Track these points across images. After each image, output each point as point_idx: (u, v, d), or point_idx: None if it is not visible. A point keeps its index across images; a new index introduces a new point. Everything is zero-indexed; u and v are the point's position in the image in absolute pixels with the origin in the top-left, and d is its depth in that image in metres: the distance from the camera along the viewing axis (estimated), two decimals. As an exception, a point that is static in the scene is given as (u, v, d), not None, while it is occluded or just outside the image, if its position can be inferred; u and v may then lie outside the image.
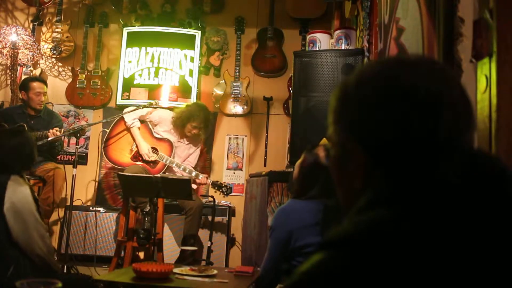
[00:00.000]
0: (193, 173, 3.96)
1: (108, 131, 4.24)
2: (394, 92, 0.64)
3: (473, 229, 0.57)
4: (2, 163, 2.26)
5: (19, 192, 2.21)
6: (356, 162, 0.67)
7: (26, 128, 4.00)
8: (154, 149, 4.01)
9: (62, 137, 4.10)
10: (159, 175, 3.53)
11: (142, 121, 4.15)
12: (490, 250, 0.56)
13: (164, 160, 3.96)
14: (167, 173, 3.85)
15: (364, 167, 0.66)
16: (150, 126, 4.16)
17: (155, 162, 3.97)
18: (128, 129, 4.12)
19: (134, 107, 4.12)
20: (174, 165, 3.98)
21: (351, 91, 0.68)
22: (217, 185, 3.91)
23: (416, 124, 0.61)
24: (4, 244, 2.16)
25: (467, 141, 0.65)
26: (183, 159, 4.14)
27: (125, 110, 4.13)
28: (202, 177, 3.92)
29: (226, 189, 3.92)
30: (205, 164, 4.79)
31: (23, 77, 4.82)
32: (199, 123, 4.01)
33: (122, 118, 4.15)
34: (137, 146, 4.05)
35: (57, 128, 3.87)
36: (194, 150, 4.24)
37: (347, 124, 0.68)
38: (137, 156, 4.00)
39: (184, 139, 4.16)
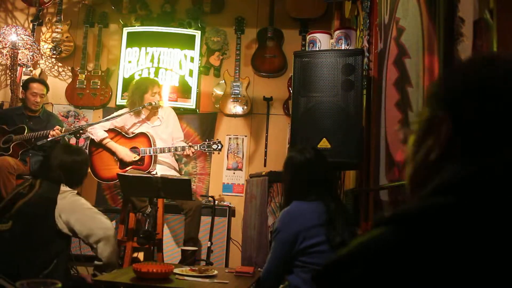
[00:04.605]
0: (179, 150, 3.82)
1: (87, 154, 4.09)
2: (497, 75, 0.66)
3: None
4: (62, 176, 2.45)
5: (77, 200, 2.45)
6: (441, 132, 0.68)
7: (26, 129, 4.01)
8: (135, 148, 3.90)
9: (65, 137, 4.06)
10: (158, 175, 3.52)
11: (112, 129, 3.99)
12: None
13: (148, 153, 3.84)
14: (165, 174, 3.83)
15: (447, 138, 0.67)
16: (120, 131, 4.00)
17: (142, 159, 3.90)
18: (100, 144, 3.97)
19: (95, 123, 3.97)
20: (159, 153, 3.85)
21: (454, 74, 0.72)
22: (206, 146, 3.77)
23: (507, 109, 0.63)
24: (49, 245, 2.35)
25: None
26: (170, 140, 4.00)
27: (89, 129, 3.96)
28: (187, 148, 3.78)
29: (217, 145, 3.75)
30: (205, 164, 4.79)
31: (23, 77, 4.83)
32: (155, 88, 3.95)
33: (93, 141, 4.00)
34: (116, 155, 3.93)
35: (58, 127, 3.86)
36: (173, 125, 4.07)
37: (448, 97, 0.70)
38: (124, 162, 3.91)
39: (156, 121, 4.01)
